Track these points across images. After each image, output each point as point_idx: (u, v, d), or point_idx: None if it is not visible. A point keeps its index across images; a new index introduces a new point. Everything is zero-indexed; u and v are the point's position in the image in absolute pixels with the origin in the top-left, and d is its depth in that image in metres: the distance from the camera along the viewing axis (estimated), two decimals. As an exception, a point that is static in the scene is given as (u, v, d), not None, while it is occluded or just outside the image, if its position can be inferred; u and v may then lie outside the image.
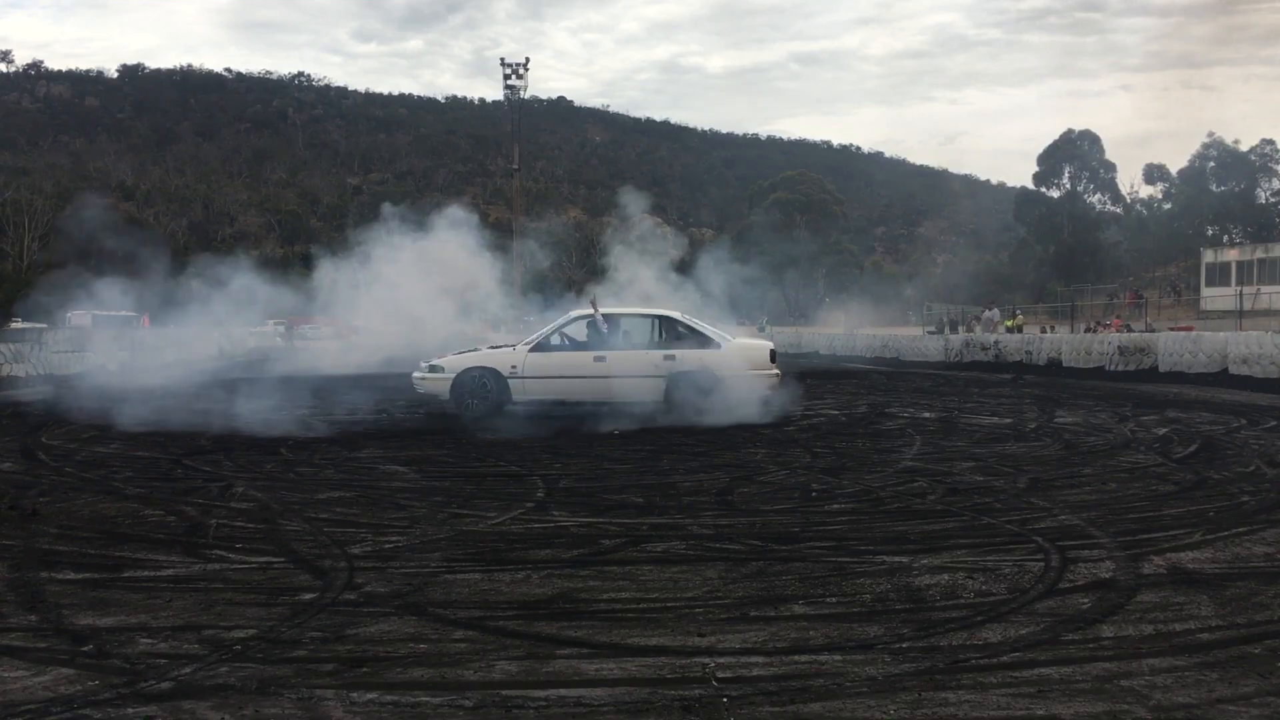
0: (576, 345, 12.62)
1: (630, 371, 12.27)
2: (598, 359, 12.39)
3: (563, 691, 3.27)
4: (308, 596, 4.39)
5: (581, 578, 4.74)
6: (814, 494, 6.97)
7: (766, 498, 6.83)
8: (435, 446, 9.68)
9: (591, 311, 12.71)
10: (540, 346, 12.58)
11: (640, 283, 20.07)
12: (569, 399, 12.54)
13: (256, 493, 6.98)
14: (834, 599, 4.37)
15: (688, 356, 12.27)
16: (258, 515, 6.23)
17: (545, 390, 12.43)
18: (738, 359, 12.37)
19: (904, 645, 3.72)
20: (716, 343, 12.46)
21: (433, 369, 12.62)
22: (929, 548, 5.26)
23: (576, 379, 12.37)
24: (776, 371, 12.58)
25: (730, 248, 22.53)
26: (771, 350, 12.85)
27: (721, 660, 3.56)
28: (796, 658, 3.60)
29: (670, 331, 12.71)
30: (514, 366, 12.39)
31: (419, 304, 21.18)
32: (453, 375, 12.44)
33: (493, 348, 13.34)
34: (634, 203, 26.13)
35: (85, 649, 3.71)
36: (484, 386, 12.35)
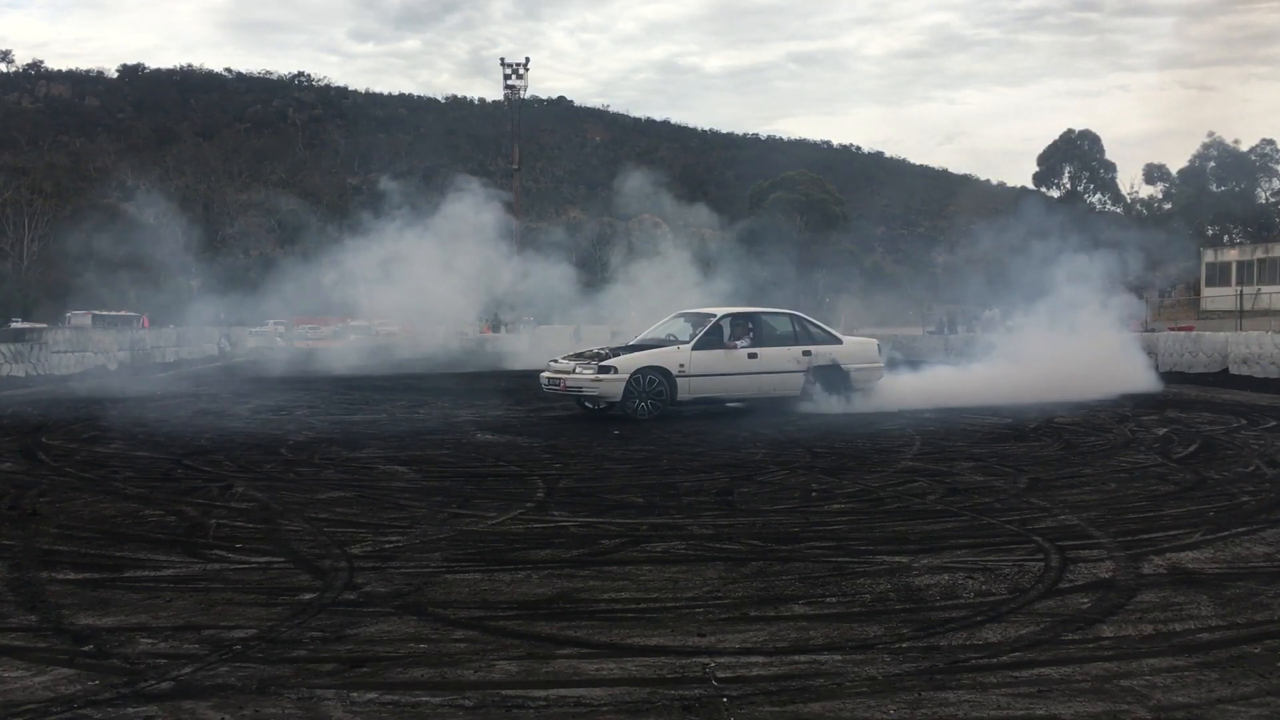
0: (725, 343, 12.89)
1: (776, 367, 12.82)
2: (751, 356, 12.76)
3: (563, 691, 3.27)
4: (308, 596, 4.39)
5: (581, 578, 4.74)
6: (814, 494, 6.97)
7: (766, 498, 6.83)
8: (435, 446, 9.68)
9: (744, 309, 13.50)
10: (704, 344, 12.67)
11: (643, 283, 20.10)
12: (728, 396, 13.01)
13: (256, 493, 6.98)
14: (834, 599, 4.37)
15: (821, 352, 12.98)
16: (258, 515, 6.23)
17: (709, 388, 12.64)
18: (857, 353, 13.28)
19: (904, 645, 3.72)
20: (839, 339, 13.37)
21: (603, 370, 12.23)
22: (929, 548, 5.26)
23: (735, 376, 12.70)
24: (883, 364, 13.52)
25: (731, 248, 22.54)
26: (879, 344, 13.80)
27: (721, 660, 3.56)
28: (796, 658, 3.60)
29: (802, 328, 13.28)
30: (682, 365, 12.45)
31: (437, 298, 20.97)
32: (626, 375, 12.20)
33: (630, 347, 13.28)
34: (640, 186, 26.07)
35: (85, 649, 3.71)
36: (655, 386, 12.30)
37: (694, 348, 12.56)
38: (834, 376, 12.92)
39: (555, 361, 13.07)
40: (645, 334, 13.85)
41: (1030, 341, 16.44)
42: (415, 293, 21.01)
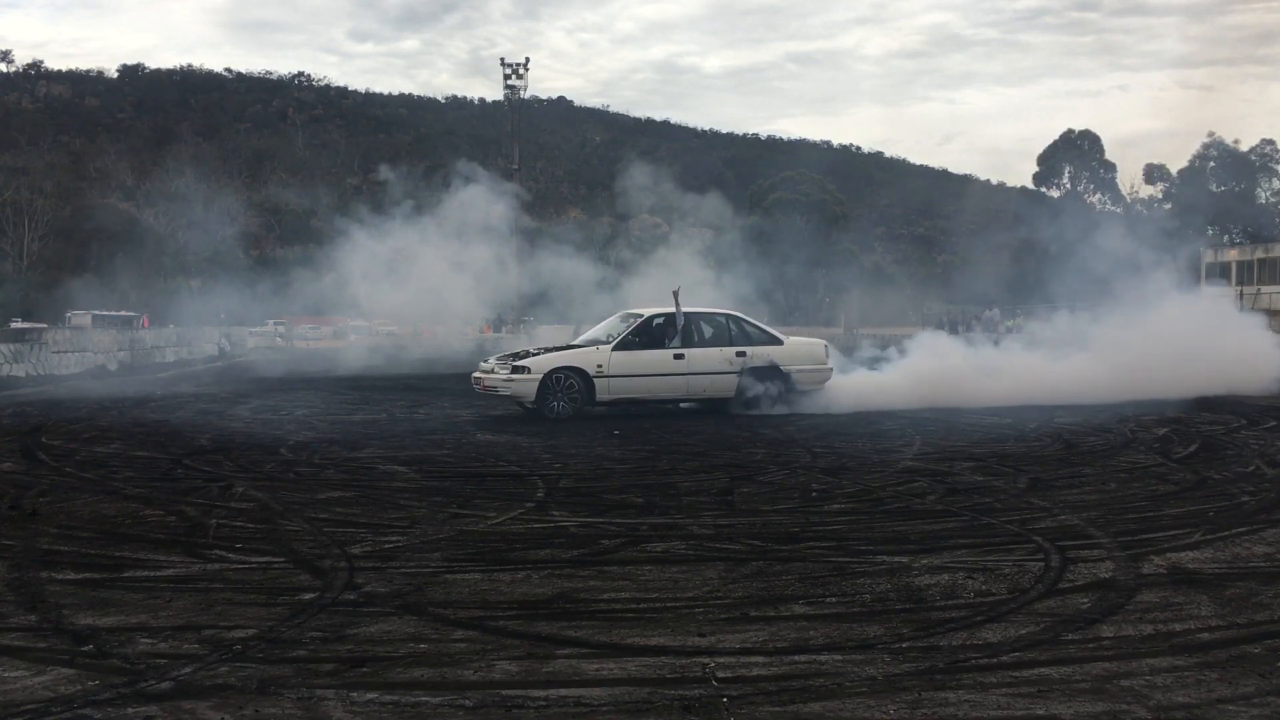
0: (656, 343, 12.76)
1: (707, 368, 12.63)
2: (677, 356, 12.63)
3: (563, 691, 3.27)
4: (308, 596, 4.39)
5: (581, 578, 4.74)
6: (814, 494, 6.97)
7: (766, 498, 6.83)
8: (435, 447, 9.68)
9: (673, 309, 12.91)
10: (625, 345, 12.63)
11: (645, 283, 20.06)
12: (653, 397, 12.76)
13: (256, 493, 6.98)
14: (834, 599, 4.37)
15: (757, 353, 12.73)
16: (258, 515, 6.23)
17: (631, 388, 12.52)
18: (800, 354, 12.98)
19: (904, 645, 3.72)
20: (779, 339, 13.03)
21: (516, 370, 12.35)
22: (929, 548, 5.26)
23: (660, 376, 12.57)
24: (831, 366, 13.16)
25: (733, 248, 22.51)
26: (825, 346, 13.44)
27: (721, 660, 3.56)
28: (796, 658, 3.60)
29: (739, 329, 13.06)
30: (600, 366, 12.40)
31: (439, 296, 20.74)
32: (539, 376, 12.23)
33: (557, 348, 13.37)
34: (645, 180, 25.95)
35: (85, 649, 3.71)
36: (570, 386, 12.28)
37: (614, 348, 12.57)
38: (772, 378, 12.64)
39: (484, 362, 13.22)
40: (587, 334, 13.76)
41: (1120, 331, 15.23)
42: (416, 292, 20.89)
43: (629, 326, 12.95)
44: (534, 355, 12.89)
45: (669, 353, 12.61)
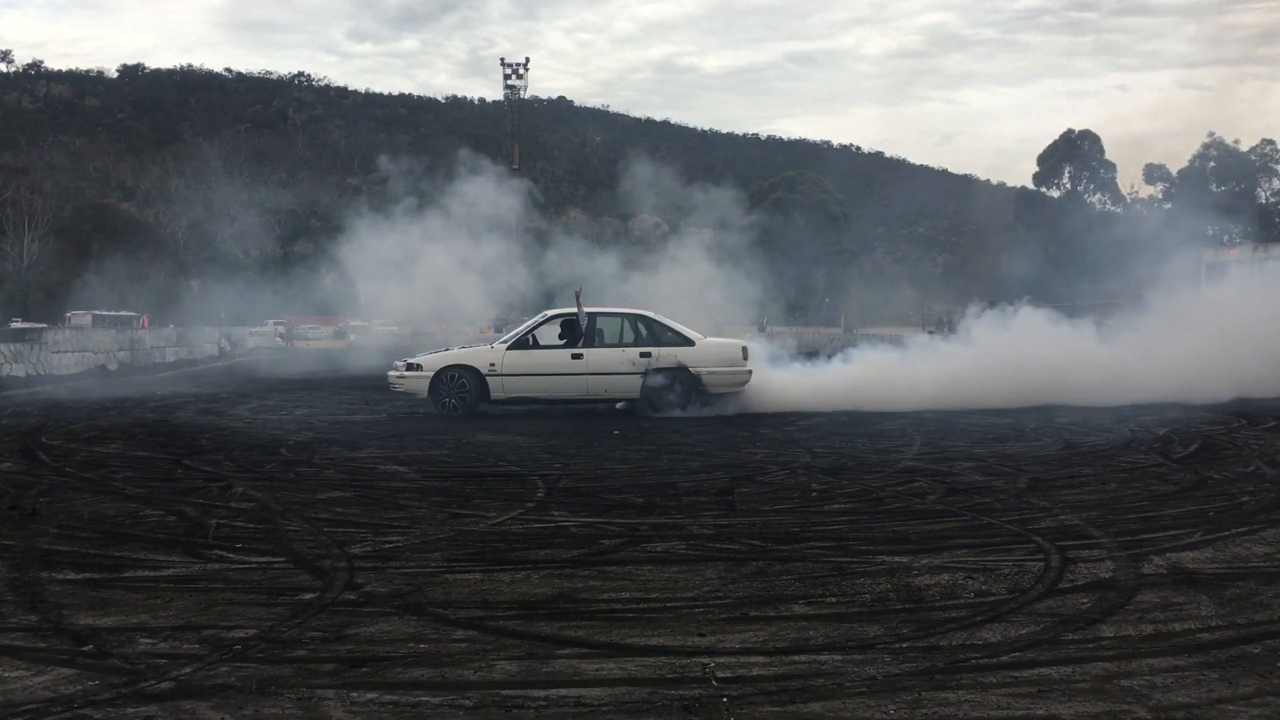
0: (555, 343, 12.85)
1: (608, 369, 12.56)
2: (575, 356, 12.63)
3: (563, 691, 3.27)
4: (308, 596, 4.39)
5: (581, 578, 4.74)
6: (814, 494, 6.97)
7: (766, 498, 6.83)
8: (435, 446, 9.68)
9: (575, 310, 12.90)
10: (519, 344, 12.79)
11: (650, 283, 20.00)
12: (549, 397, 12.79)
13: (256, 493, 6.98)
14: (834, 599, 4.37)
15: (663, 354, 12.55)
16: (258, 515, 6.23)
17: (525, 387, 12.63)
18: (713, 356, 12.68)
19: (904, 645, 3.71)
20: (691, 340, 12.76)
21: (410, 367, 12.80)
22: (929, 548, 5.26)
23: (556, 376, 12.60)
24: (748, 368, 12.78)
25: (740, 246, 22.44)
26: (744, 347, 13.01)
27: (721, 660, 3.56)
28: (796, 658, 3.60)
29: (647, 330, 12.89)
30: (493, 365, 12.58)
31: (441, 296, 20.50)
32: (431, 373, 12.61)
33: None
34: (646, 177, 25.82)
35: (85, 649, 3.71)
36: (461, 384, 12.57)
37: (509, 347, 12.75)
38: (680, 379, 12.47)
39: (398, 361, 13.42)
40: (513, 333, 13.71)
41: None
42: (420, 290, 20.71)
43: (528, 326, 13.15)
44: (433, 354, 13.33)
45: (566, 353, 12.67)
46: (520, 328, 13.34)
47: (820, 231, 63.33)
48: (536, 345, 12.79)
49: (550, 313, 13.39)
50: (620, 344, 12.79)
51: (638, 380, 12.51)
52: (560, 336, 12.94)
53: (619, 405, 13.12)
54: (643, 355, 12.57)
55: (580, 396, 12.80)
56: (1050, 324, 15.30)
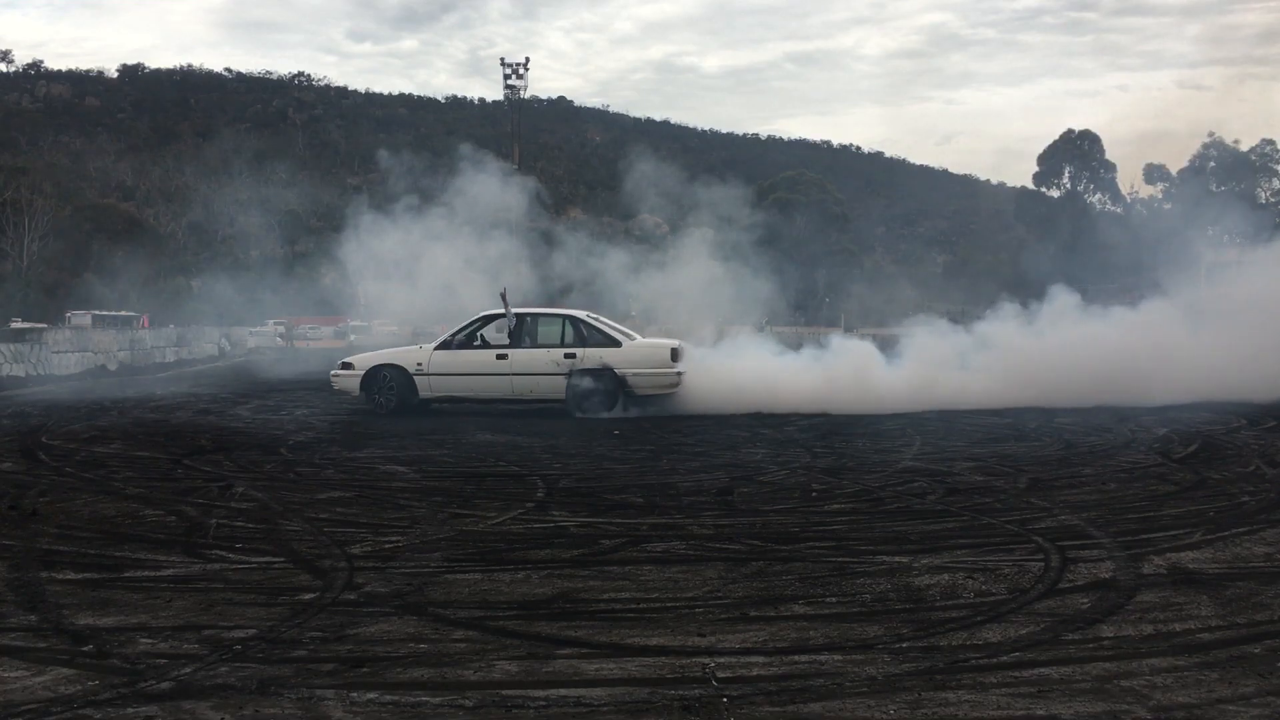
0: (483, 344, 13.03)
1: (532, 369, 12.67)
2: (500, 356, 12.80)
3: (563, 691, 3.27)
4: (308, 596, 4.39)
5: (581, 578, 4.74)
6: (814, 494, 6.97)
7: (766, 498, 6.83)
8: (435, 446, 9.68)
9: (502, 311, 13.07)
10: (446, 344, 13.04)
11: (649, 282, 19.95)
12: (475, 396, 13.02)
13: (256, 493, 6.98)
14: (834, 599, 4.37)
15: (589, 355, 12.58)
16: (258, 515, 6.23)
17: (451, 387, 12.94)
18: (639, 357, 12.64)
19: (904, 645, 3.72)
20: (618, 341, 12.76)
21: (344, 366, 13.33)
22: (929, 548, 5.26)
23: (481, 376, 12.79)
24: (678, 370, 12.68)
25: (744, 245, 22.37)
26: (674, 349, 12.86)
27: (721, 660, 3.56)
28: (796, 658, 3.60)
29: (575, 331, 12.94)
30: (420, 364, 12.91)
31: (442, 295, 20.31)
32: (361, 372, 13.06)
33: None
34: (650, 175, 25.70)
35: (85, 649, 3.71)
36: (389, 382, 12.94)
37: (436, 347, 13.03)
38: (604, 380, 12.45)
39: (342, 360, 13.84)
40: (449, 332, 13.86)
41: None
42: (424, 289, 20.53)
43: (460, 326, 13.32)
44: (366, 354, 13.89)
45: (491, 353, 12.84)
46: (454, 328, 13.55)
47: (820, 231, 63.33)
48: (464, 345, 13.02)
49: (485, 314, 13.52)
50: (547, 344, 12.91)
51: (562, 381, 12.56)
52: (477, 336, 13.16)
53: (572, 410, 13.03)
54: (567, 356, 12.62)
55: (505, 396, 12.94)
56: (1129, 315, 14.65)
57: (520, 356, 12.71)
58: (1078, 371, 13.01)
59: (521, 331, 12.92)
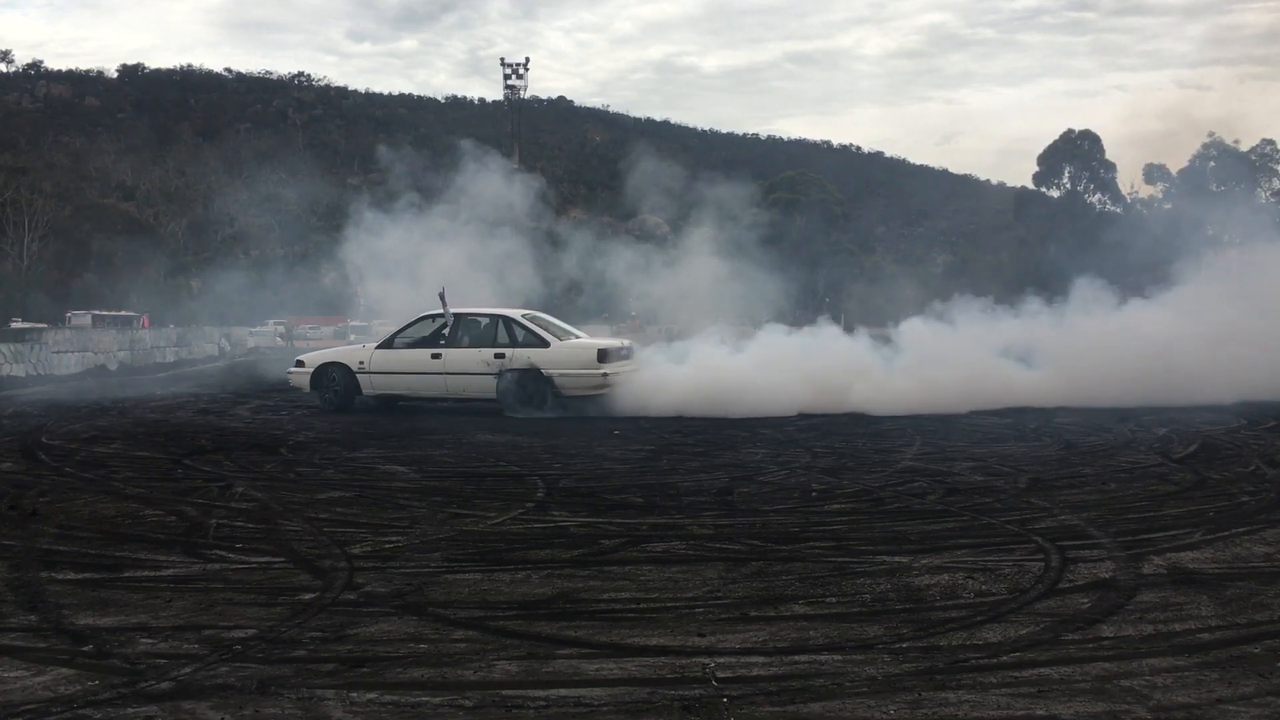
0: (419, 343, 13.31)
1: (464, 369, 12.82)
2: (434, 356, 13.02)
3: (563, 691, 3.27)
4: (308, 596, 4.39)
5: (581, 578, 4.74)
6: (814, 494, 6.97)
7: (766, 498, 6.83)
8: (435, 446, 9.68)
9: (441, 311, 13.28)
10: (387, 343, 13.40)
11: (654, 281, 19.92)
12: (413, 394, 13.35)
13: (256, 493, 6.98)
14: (834, 599, 4.37)
15: (518, 355, 12.68)
16: (258, 515, 6.23)
17: (390, 385, 13.28)
18: (565, 358, 12.67)
19: (904, 645, 3.72)
20: (546, 342, 12.82)
21: (298, 364, 13.92)
22: (929, 548, 5.26)
23: (417, 375, 13.06)
24: (603, 371, 12.62)
25: (744, 244, 22.31)
26: (600, 350, 12.82)
27: (721, 660, 3.56)
28: (796, 658, 3.60)
29: (507, 331, 13.05)
30: (362, 363, 13.32)
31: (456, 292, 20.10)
32: (311, 369, 13.59)
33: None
34: (654, 173, 25.63)
35: (85, 649, 3.71)
36: (333, 380, 13.41)
37: (377, 346, 13.46)
38: (532, 381, 12.51)
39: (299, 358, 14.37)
40: (392, 330, 14.13)
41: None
42: (422, 290, 20.41)
43: (400, 326, 13.68)
44: (316, 352, 14.54)
45: (427, 352, 13.07)
46: (395, 328, 13.92)
47: (820, 231, 63.34)
48: (404, 344, 13.34)
49: (424, 314, 13.74)
50: (480, 344, 13.03)
51: (493, 381, 12.69)
52: (417, 336, 13.49)
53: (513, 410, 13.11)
54: (497, 356, 12.74)
55: (440, 395, 13.20)
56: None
57: (454, 356, 12.91)
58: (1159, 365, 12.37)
59: (458, 331, 13.16)
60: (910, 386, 12.80)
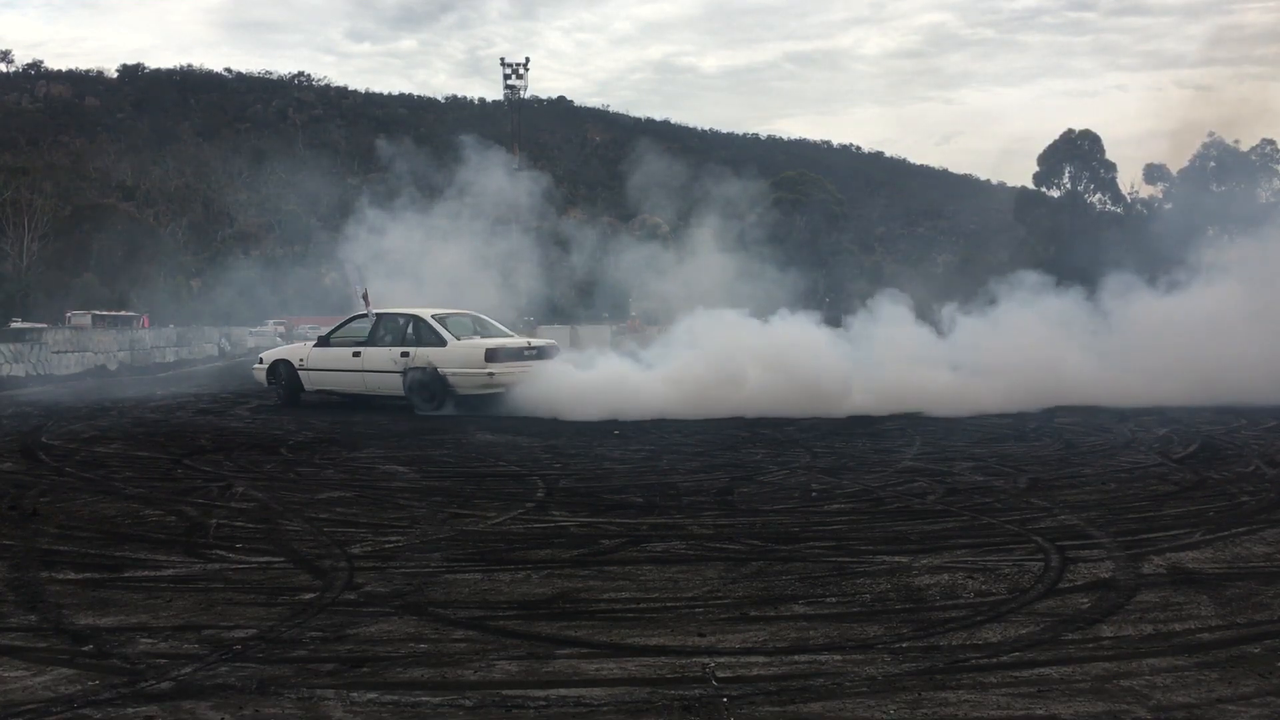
0: (348, 341, 13.75)
1: (377, 367, 13.19)
2: (355, 354, 13.48)
3: (563, 691, 3.27)
4: (308, 596, 4.39)
5: (581, 578, 4.74)
6: (814, 494, 6.96)
7: (766, 498, 6.83)
8: (435, 446, 9.68)
9: (365, 312, 13.79)
10: (323, 341, 13.96)
11: (658, 281, 19.91)
12: (342, 391, 13.78)
13: (256, 493, 6.98)
14: (834, 599, 4.37)
15: (419, 354, 12.95)
16: (258, 515, 6.23)
17: (323, 381, 13.88)
18: (458, 358, 12.82)
19: (904, 645, 3.72)
20: (444, 341, 13.01)
21: (260, 360, 14.71)
22: (929, 548, 5.26)
23: (342, 372, 13.54)
24: (489, 370, 12.67)
25: (739, 242, 22.29)
26: (489, 349, 12.86)
27: (721, 660, 3.56)
28: (796, 658, 3.60)
29: (415, 330, 13.28)
30: (302, 360, 14.05)
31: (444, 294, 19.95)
32: (267, 365, 14.38)
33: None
34: (658, 172, 25.59)
35: (85, 649, 3.71)
36: (280, 375, 14.19)
37: (315, 344, 14.15)
38: (431, 380, 12.77)
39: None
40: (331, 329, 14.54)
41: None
42: (423, 289, 20.31)
43: (339, 324, 14.21)
44: (274, 349, 15.39)
45: (349, 350, 13.60)
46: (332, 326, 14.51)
47: (820, 231, 63.33)
48: (337, 343, 13.85)
49: (353, 315, 14.24)
50: (393, 343, 13.32)
51: (399, 379, 13.00)
52: (380, 335, 13.79)
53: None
54: (403, 355, 13.06)
55: (361, 392, 13.57)
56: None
57: (370, 355, 13.34)
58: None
59: (379, 330, 13.52)
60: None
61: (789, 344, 12.92)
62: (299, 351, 14.35)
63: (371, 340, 13.42)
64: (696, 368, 12.71)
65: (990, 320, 14.36)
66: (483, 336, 13.49)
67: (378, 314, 13.69)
